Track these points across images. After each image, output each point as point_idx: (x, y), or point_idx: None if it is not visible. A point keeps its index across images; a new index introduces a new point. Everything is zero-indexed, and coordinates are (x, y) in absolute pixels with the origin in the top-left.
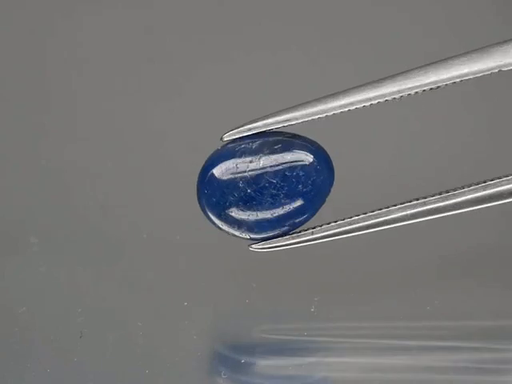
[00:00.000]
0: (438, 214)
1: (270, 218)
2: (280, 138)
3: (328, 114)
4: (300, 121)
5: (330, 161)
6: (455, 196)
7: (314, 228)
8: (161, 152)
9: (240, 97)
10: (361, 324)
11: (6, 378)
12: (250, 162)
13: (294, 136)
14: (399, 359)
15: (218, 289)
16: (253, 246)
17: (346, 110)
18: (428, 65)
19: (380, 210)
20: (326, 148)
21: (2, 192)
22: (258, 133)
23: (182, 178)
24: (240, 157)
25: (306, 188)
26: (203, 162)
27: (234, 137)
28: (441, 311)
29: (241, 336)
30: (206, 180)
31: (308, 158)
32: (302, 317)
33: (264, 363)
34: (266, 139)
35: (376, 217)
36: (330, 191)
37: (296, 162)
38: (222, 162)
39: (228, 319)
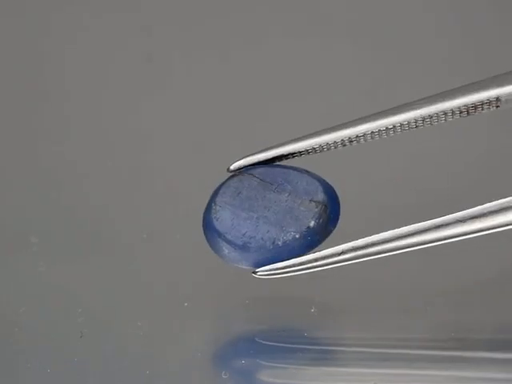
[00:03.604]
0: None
1: (274, 256)
2: (286, 182)
3: (333, 143)
4: (303, 152)
5: (337, 198)
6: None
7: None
8: (161, 152)
9: (239, 96)
10: (361, 324)
11: (6, 377)
12: (257, 218)
13: (301, 174)
14: (399, 366)
15: (218, 289)
16: (258, 272)
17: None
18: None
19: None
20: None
21: (2, 192)
22: (263, 162)
23: (181, 177)
24: (248, 210)
25: (314, 226)
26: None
27: (240, 166)
28: (439, 322)
29: (241, 336)
30: (212, 227)
31: (317, 212)
32: (302, 317)
33: (264, 363)
34: (273, 181)
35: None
36: (335, 226)
37: (306, 219)
38: (228, 217)
39: (228, 319)
